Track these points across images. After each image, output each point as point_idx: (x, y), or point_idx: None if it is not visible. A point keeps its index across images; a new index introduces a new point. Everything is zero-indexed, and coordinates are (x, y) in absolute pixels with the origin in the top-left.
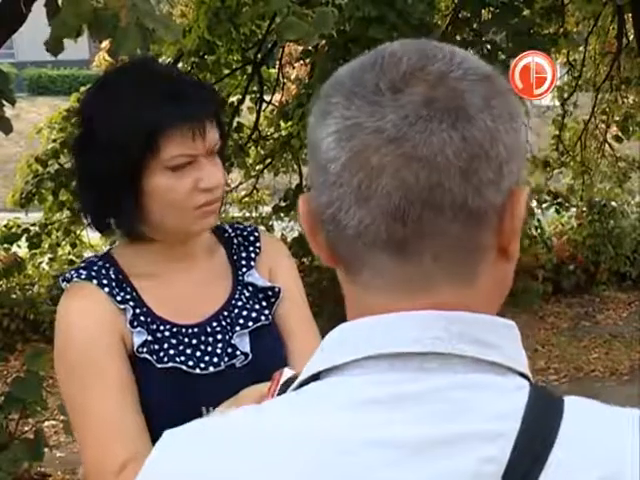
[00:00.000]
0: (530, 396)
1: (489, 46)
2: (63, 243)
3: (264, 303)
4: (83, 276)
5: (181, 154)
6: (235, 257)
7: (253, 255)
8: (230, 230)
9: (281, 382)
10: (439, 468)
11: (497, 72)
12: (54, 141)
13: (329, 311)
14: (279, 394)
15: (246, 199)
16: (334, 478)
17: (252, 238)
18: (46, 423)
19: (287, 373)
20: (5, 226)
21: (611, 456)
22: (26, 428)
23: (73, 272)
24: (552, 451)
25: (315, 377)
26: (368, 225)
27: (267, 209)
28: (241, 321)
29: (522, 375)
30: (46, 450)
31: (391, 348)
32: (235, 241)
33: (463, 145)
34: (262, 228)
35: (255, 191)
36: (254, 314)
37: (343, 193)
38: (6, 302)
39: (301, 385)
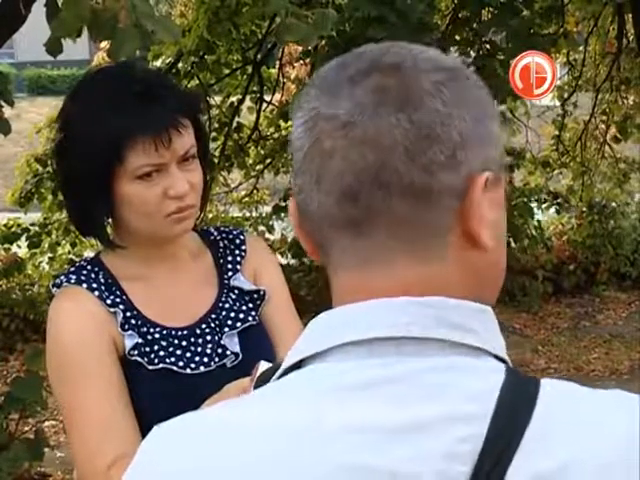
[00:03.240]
0: (506, 377)
1: (489, 46)
2: (63, 242)
3: (250, 305)
4: (73, 280)
5: (146, 164)
6: (221, 261)
7: (239, 259)
8: (216, 233)
9: (257, 375)
10: (416, 450)
11: (462, 66)
12: (54, 141)
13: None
14: (255, 387)
15: (246, 199)
16: (314, 464)
17: (238, 241)
18: (46, 423)
19: (263, 366)
20: (5, 225)
21: (587, 434)
22: (26, 428)
23: (63, 277)
24: (527, 430)
25: (297, 365)
26: (326, 207)
27: (267, 209)
28: (229, 322)
29: (499, 359)
30: (46, 450)
31: (369, 334)
32: (221, 244)
33: (410, 126)
34: (249, 229)
35: (255, 191)
36: (242, 315)
37: (306, 179)
38: (6, 302)
39: (284, 373)
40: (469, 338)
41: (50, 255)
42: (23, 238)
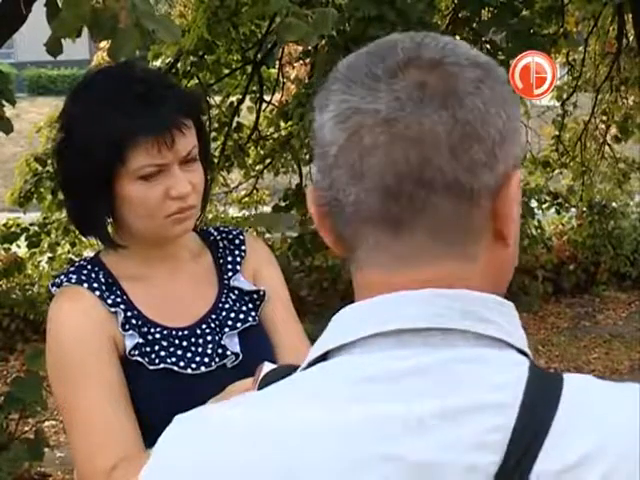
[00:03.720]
0: (530, 370)
1: (489, 46)
2: (62, 242)
3: (250, 305)
4: (73, 280)
5: (148, 164)
6: (221, 261)
7: (239, 259)
8: (215, 234)
9: (260, 376)
10: (446, 439)
11: (493, 62)
12: (54, 141)
13: (329, 311)
14: (258, 387)
15: (246, 199)
16: (341, 455)
17: (237, 242)
18: (46, 423)
19: (267, 367)
20: (4, 225)
21: (609, 425)
22: (26, 428)
23: (63, 277)
24: (554, 420)
25: (323, 357)
26: (362, 202)
27: (267, 209)
28: (229, 323)
29: (521, 352)
30: (46, 450)
31: (396, 324)
32: (221, 244)
33: (453, 124)
34: (249, 230)
35: (255, 191)
36: (242, 315)
37: (340, 173)
38: (6, 302)
39: (310, 365)
40: (493, 330)
41: (50, 255)
42: (22, 238)
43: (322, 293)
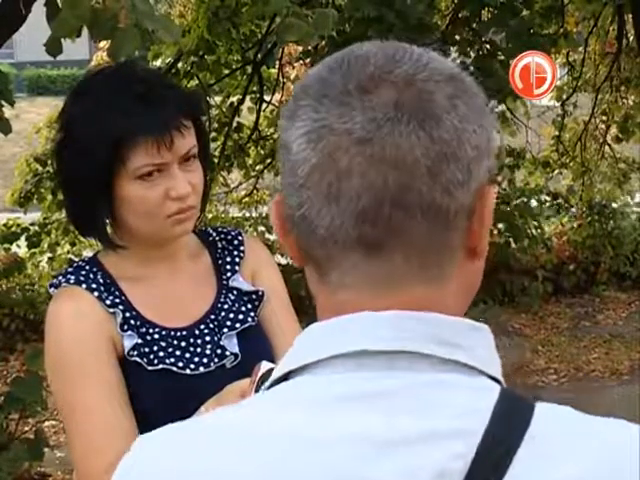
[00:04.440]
0: (500, 396)
1: (489, 46)
2: (62, 242)
3: (249, 306)
4: (72, 281)
5: (147, 164)
6: (220, 261)
7: (237, 260)
8: (214, 234)
9: (258, 376)
10: (406, 464)
11: (462, 72)
12: (54, 141)
13: None
14: (257, 387)
15: (246, 199)
16: (302, 474)
17: (236, 242)
18: (46, 423)
19: (264, 366)
20: (4, 225)
21: (579, 457)
22: (26, 428)
23: (61, 277)
24: (519, 450)
25: (285, 377)
26: (338, 226)
27: (267, 209)
28: (228, 323)
29: (493, 379)
30: (46, 450)
31: (359, 346)
32: (219, 245)
33: (431, 145)
34: (249, 230)
35: (255, 191)
36: (241, 316)
37: (313, 195)
38: (6, 302)
39: (272, 385)
40: (462, 356)
41: (50, 255)
42: (23, 238)
43: None
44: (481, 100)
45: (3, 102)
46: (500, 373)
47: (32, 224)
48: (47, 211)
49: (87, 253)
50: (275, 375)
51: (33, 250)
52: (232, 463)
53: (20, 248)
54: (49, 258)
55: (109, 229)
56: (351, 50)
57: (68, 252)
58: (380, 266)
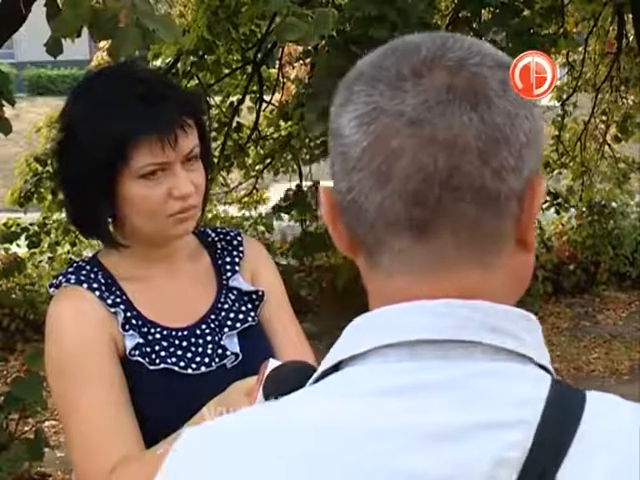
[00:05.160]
0: (552, 386)
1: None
2: (62, 242)
3: (249, 305)
4: (73, 280)
5: (151, 163)
6: (219, 262)
7: (237, 260)
8: (213, 235)
9: (266, 373)
10: (464, 455)
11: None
12: (54, 141)
13: (328, 310)
14: (264, 385)
15: (246, 199)
16: (348, 466)
17: (235, 242)
18: (46, 423)
19: (272, 364)
20: (4, 225)
21: (631, 451)
22: (26, 428)
23: (61, 277)
24: (574, 440)
25: (336, 367)
26: (388, 207)
27: (267, 209)
28: (229, 323)
29: (543, 368)
30: (46, 450)
31: (412, 335)
32: (219, 245)
33: (483, 128)
34: (249, 230)
35: (255, 191)
36: (241, 316)
37: (363, 177)
38: (6, 302)
39: (323, 376)
40: (514, 344)
41: (50, 255)
42: (23, 238)
43: (322, 293)
44: None
45: (3, 102)
46: (549, 362)
47: (32, 224)
48: (47, 211)
49: (87, 253)
50: (325, 365)
51: (33, 250)
52: (292, 457)
53: (20, 248)
54: (49, 258)
55: (111, 228)
56: (402, 39)
57: (68, 252)
58: (430, 249)
